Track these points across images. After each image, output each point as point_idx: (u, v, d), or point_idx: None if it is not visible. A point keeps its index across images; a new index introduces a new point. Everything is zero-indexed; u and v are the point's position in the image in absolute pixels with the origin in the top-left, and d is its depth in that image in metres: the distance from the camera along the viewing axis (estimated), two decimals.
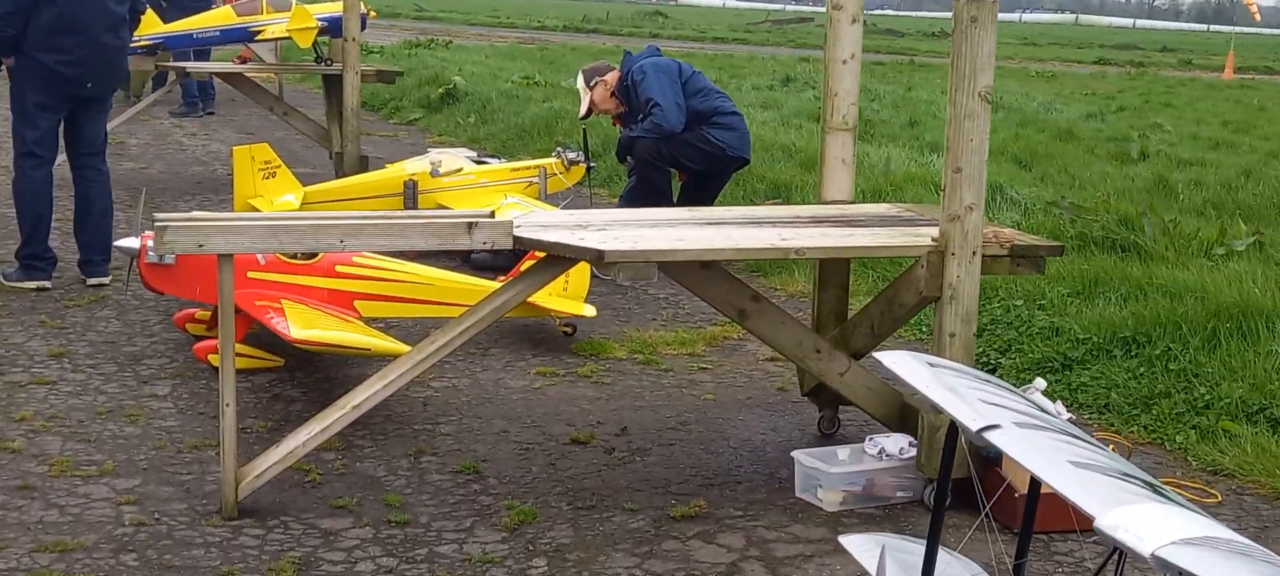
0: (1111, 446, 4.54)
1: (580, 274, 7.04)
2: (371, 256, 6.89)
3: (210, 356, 6.36)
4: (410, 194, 8.82)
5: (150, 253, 6.34)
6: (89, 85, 7.63)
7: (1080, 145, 14.47)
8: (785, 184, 10.43)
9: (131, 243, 6.42)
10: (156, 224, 4.63)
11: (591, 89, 8.94)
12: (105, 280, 7.82)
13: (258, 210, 8.49)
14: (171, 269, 6.40)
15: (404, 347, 5.84)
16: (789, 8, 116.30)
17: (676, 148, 8.64)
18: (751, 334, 5.16)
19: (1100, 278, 7.08)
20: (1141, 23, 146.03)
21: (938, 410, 3.81)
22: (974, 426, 3.19)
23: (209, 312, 6.78)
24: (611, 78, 8.90)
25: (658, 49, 9.23)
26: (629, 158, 8.83)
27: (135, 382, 6.17)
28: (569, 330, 7.12)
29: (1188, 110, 21.13)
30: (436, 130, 15.82)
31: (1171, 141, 15.08)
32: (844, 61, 5.50)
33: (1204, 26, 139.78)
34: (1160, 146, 14.24)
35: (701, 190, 8.96)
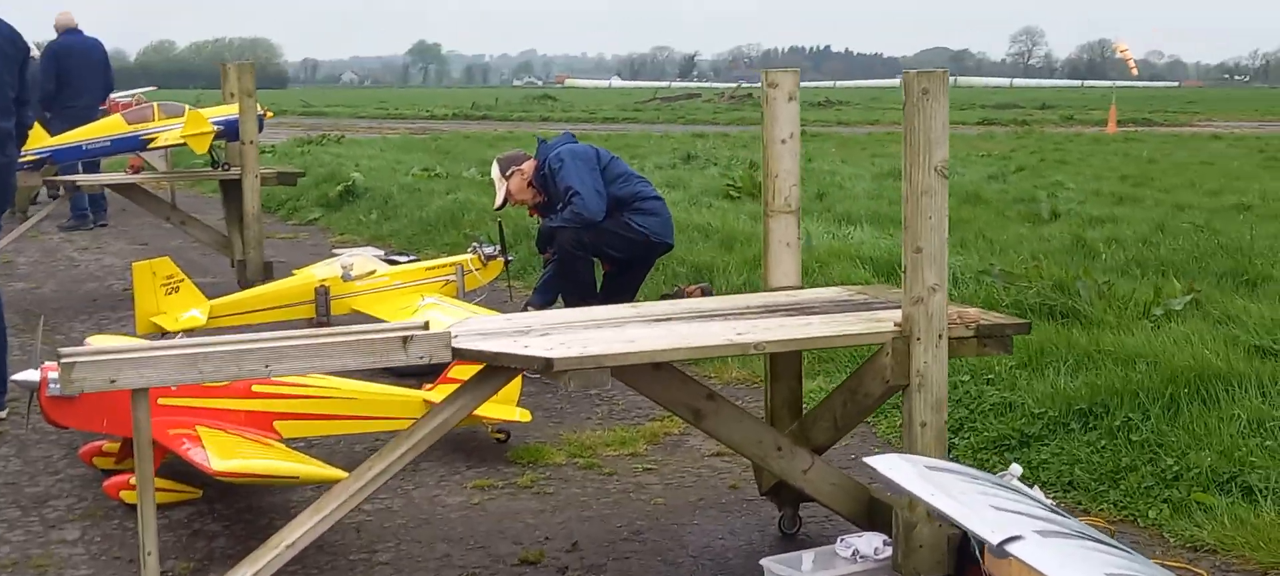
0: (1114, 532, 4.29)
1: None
2: (295, 377, 6.51)
3: (122, 493, 5.95)
4: (322, 301, 8.44)
5: (52, 385, 5.92)
6: None
7: (989, 208, 14.45)
8: (707, 265, 10.18)
9: (30, 376, 5.98)
10: (62, 360, 4.24)
11: (507, 179, 8.65)
12: (1, 414, 7.34)
13: (162, 328, 8.08)
14: (75, 402, 5.96)
15: (335, 471, 5.47)
16: (674, 84, 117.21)
17: (599, 236, 8.38)
18: (707, 434, 4.86)
19: (1046, 347, 6.89)
20: (1018, 81, 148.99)
21: (948, 522, 3.55)
22: (994, 539, 2.93)
23: (118, 444, 6.36)
24: (528, 167, 8.62)
25: (572, 135, 8.97)
26: (549, 248, 8.55)
27: (41, 527, 5.72)
28: (502, 436, 6.78)
29: (1083, 166, 21.33)
30: (337, 229, 15.43)
31: (1078, 199, 15.11)
32: (783, 141, 5.27)
33: (1078, 82, 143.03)
34: (1068, 205, 14.23)
35: (626, 276, 8.69)
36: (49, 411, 5.97)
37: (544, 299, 8.63)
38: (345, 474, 5.44)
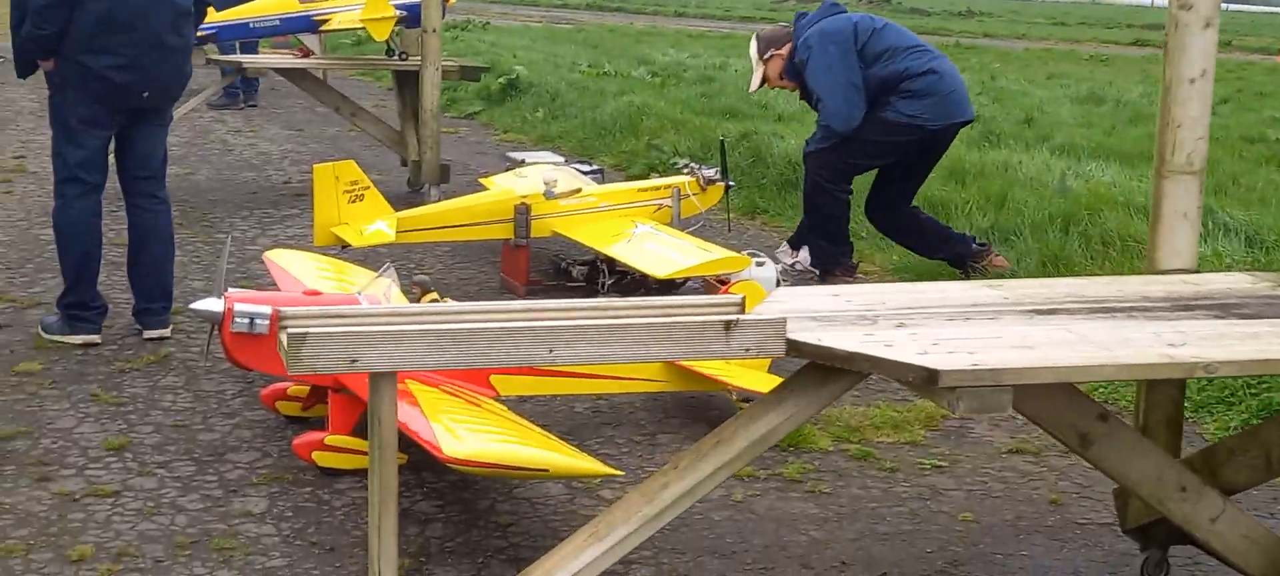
0: None
1: None
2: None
3: (316, 456, 4.98)
4: (522, 221, 7.38)
5: (238, 320, 4.94)
6: (146, 95, 6.21)
7: (1218, 146, 12.94)
8: (940, 202, 8.96)
9: (213, 305, 5.00)
10: (287, 329, 3.20)
11: (765, 62, 7.48)
12: (166, 332, 6.41)
13: (344, 240, 7.09)
14: (266, 340, 4.99)
15: (595, 465, 4.43)
16: None
17: (847, 150, 7.25)
18: (1092, 463, 3.73)
19: None
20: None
21: None
22: None
23: (306, 388, 5.39)
24: (787, 50, 7.45)
25: (836, 2, 7.70)
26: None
27: (221, 492, 4.76)
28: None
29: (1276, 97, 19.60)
30: (500, 126, 14.37)
31: None
32: (1191, 81, 4.05)
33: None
34: None
35: (910, 179, 7.54)
36: (233, 350, 5.00)
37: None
38: (611, 469, 4.43)
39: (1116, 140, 12.64)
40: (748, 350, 3.37)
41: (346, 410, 5.07)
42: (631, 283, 7.26)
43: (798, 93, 7.84)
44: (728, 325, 3.35)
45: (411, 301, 5.27)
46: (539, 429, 4.72)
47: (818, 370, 3.49)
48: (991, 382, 3.16)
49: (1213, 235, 7.60)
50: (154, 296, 6.40)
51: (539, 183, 7.65)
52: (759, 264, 6.90)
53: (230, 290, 5.07)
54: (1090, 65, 24.76)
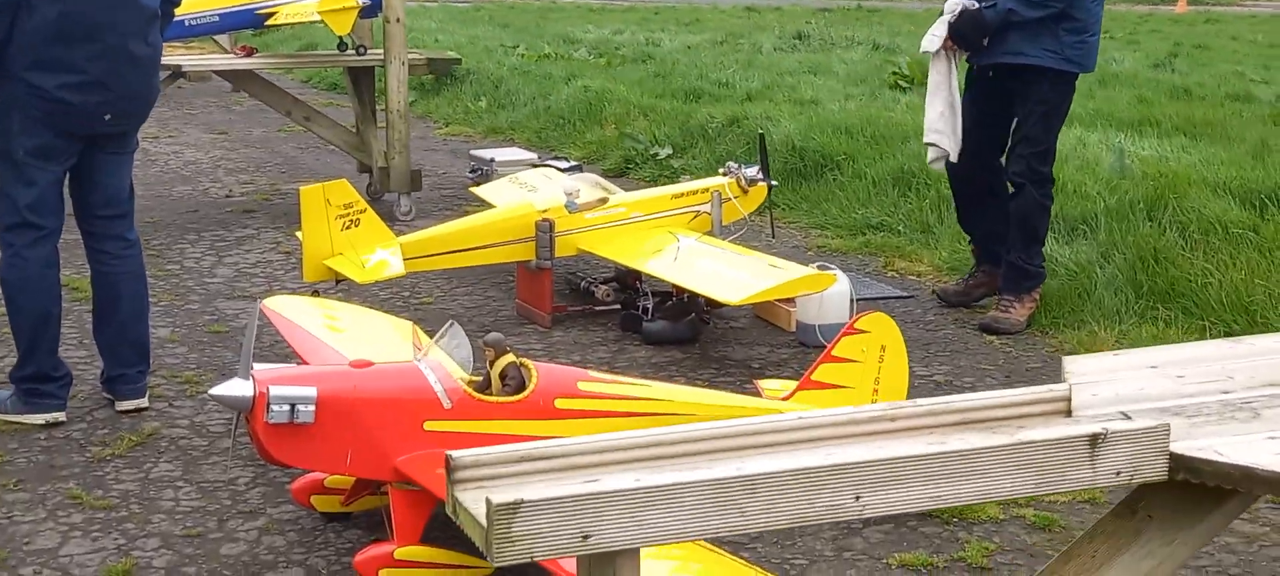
0: None
1: (896, 360, 4.66)
2: (608, 378, 4.47)
3: (383, 574, 3.93)
4: (546, 240, 6.33)
5: (276, 409, 3.87)
6: (108, 118, 5.06)
7: (1201, 104, 12.11)
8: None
9: (240, 389, 3.92)
10: (488, 494, 2.16)
11: None
12: (144, 402, 5.28)
13: (340, 274, 6.00)
14: (311, 431, 3.93)
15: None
16: None
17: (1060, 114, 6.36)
18: None
19: None
20: None
21: None
22: None
23: (350, 481, 4.32)
24: None
25: None
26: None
27: None
28: None
29: (1223, 49, 19.06)
30: (440, 118, 13.23)
31: None
32: None
33: None
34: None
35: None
36: (270, 446, 3.92)
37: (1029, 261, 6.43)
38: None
39: (1185, 111, 11.50)
40: (1118, 474, 2.39)
41: (412, 511, 4.02)
42: (677, 305, 6.25)
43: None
44: (1093, 439, 2.36)
45: (487, 366, 4.21)
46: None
47: (1186, 491, 2.52)
48: None
49: None
50: (129, 360, 5.26)
51: (556, 193, 6.61)
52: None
53: (257, 367, 3.99)
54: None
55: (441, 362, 4.14)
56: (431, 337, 5.19)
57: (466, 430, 4.08)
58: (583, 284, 6.70)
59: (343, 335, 4.90)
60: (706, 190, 6.68)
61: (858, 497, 2.26)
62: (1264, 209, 7.02)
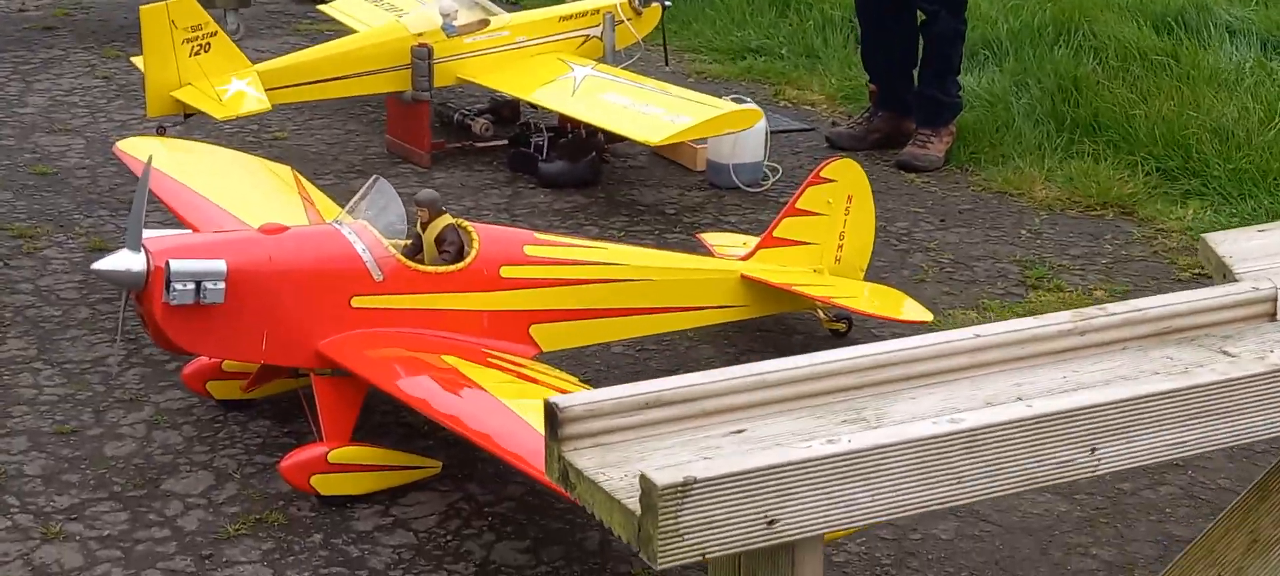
0: None
1: (863, 210, 4.19)
2: (555, 239, 3.89)
3: (315, 481, 3.32)
4: (423, 68, 5.61)
5: (177, 287, 3.20)
6: None
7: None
8: None
9: (131, 264, 3.23)
10: (653, 481, 1.57)
11: None
12: None
13: (191, 108, 5.21)
14: (220, 312, 3.26)
15: None
16: None
17: None
18: None
19: None
20: None
21: None
22: None
23: (254, 368, 3.65)
24: None
25: None
26: None
27: (179, 553, 3.05)
28: (842, 328, 4.28)
29: None
30: None
31: None
32: None
33: None
34: None
35: None
36: (169, 328, 3.26)
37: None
38: None
39: None
40: None
41: (341, 403, 3.41)
42: (575, 142, 5.64)
43: None
44: None
45: (418, 230, 3.57)
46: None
47: None
48: None
49: None
50: None
51: (431, 13, 5.86)
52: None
53: (149, 236, 3.29)
54: None
55: (368, 226, 3.49)
56: (313, 184, 4.54)
57: (401, 305, 3.46)
58: (456, 117, 6.02)
59: (216, 187, 4.19)
60: (597, 11, 6.02)
61: (1093, 450, 1.75)
62: (1172, 32, 6.69)
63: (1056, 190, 5.52)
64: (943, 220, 5.29)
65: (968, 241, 5.08)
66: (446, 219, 3.57)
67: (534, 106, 5.75)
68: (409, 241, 3.57)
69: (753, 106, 5.41)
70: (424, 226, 3.57)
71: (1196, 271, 4.78)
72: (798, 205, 4.09)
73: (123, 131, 6.03)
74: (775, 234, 4.08)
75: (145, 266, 3.20)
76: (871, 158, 6.03)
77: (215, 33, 5.27)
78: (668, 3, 6.31)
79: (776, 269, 4.04)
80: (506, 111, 6.15)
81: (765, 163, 5.62)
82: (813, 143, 6.20)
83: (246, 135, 5.95)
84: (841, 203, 4.12)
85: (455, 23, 5.77)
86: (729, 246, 4.36)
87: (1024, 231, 5.17)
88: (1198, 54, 6.27)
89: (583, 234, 5.02)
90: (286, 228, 3.46)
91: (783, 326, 4.29)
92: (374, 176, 3.61)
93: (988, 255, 4.95)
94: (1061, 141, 5.88)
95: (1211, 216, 5.20)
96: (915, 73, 6.05)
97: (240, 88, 5.28)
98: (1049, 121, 5.99)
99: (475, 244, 3.56)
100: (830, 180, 4.10)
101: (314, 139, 6.03)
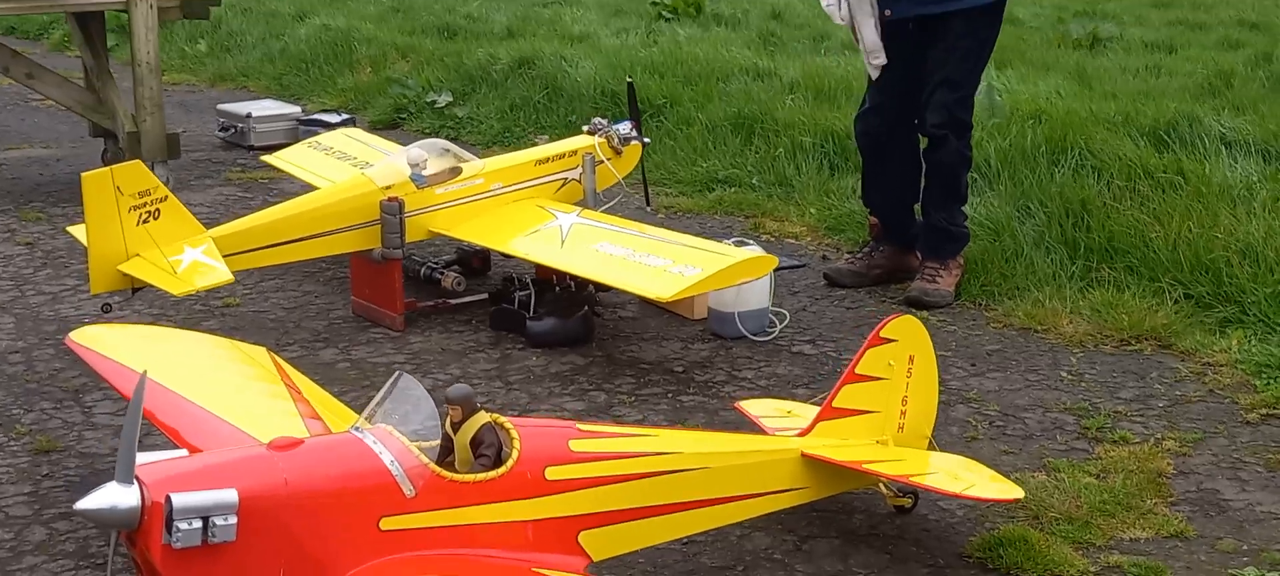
0: None
1: (926, 371, 3.74)
2: (601, 429, 3.38)
3: None
4: (394, 223, 5.11)
5: (181, 525, 2.67)
6: None
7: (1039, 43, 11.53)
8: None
9: (122, 499, 2.69)
10: None
11: None
12: None
13: (140, 282, 4.67)
14: (230, 552, 2.73)
15: None
16: None
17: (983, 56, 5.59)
18: None
19: None
20: None
21: None
22: None
23: None
24: None
25: None
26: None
27: None
28: (907, 504, 3.82)
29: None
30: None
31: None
32: None
33: None
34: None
35: None
36: (166, 569, 2.71)
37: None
38: None
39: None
40: None
41: None
42: (564, 296, 5.16)
43: None
44: None
45: (448, 430, 3.06)
46: None
47: None
48: None
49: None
50: None
51: (397, 164, 5.38)
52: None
53: (142, 463, 2.75)
54: None
55: (393, 432, 2.97)
56: (292, 366, 4.02)
57: (437, 523, 2.95)
58: (422, 271, 5.52)
59: (193, 383, 3.65)
60: (575, 153, 5.58)
61: None
62: (1168, 147, 6.39)
63: (1084, 324, 5.13)
64: (973, 363, 4.88)
65: (1008, 388, 4.66)
66: (483, 416, 3.07)
67: (508, 257, 5.28)
68: (438, 442, 3.06)
69: (760, 252, 4.98)
70: (456, 426, 3.06)
71: (1265, 412, 4.39)
72: (857, 370, 3.63)
73: (56, 305, 5.49)
74: (835, 404, 3.62)
75: (139, 502, 2.67)
76: (874, 294, 5.65)
77: (165, 198, 4.74)
78: (647, 140, 5.89)
79: (839, 443, 3.59)
80: (477, 261, 5.70)
81: (771, 309, 5.18)
82: (809, 280, 5.79)
83: (194, 304, 5.41)
84: (903, 364, 3.68)
85: (425, 172, 5.31)
86: (773, 416, 3.90)
87: (1064, 373, 4.76)
88: (1203, 169, 5.95)
89: (589, 401, 4.54)
90: (300, 441, 2.93)
91: (842, 506, 3.81)
92: (397, 372, 3.10)
93: (1035, 404, 4.53)
94: (1077, 269, 5.52)
95: (1258, 346, 4.83)
96: (917, 206, 5.71)
97: (195, 257, 4.75)
98: (1060, 248, 5.63)
99: (516, 444, 3.06)
100: (890, 339, 3.66)
101: (270, 305, 5.49)
